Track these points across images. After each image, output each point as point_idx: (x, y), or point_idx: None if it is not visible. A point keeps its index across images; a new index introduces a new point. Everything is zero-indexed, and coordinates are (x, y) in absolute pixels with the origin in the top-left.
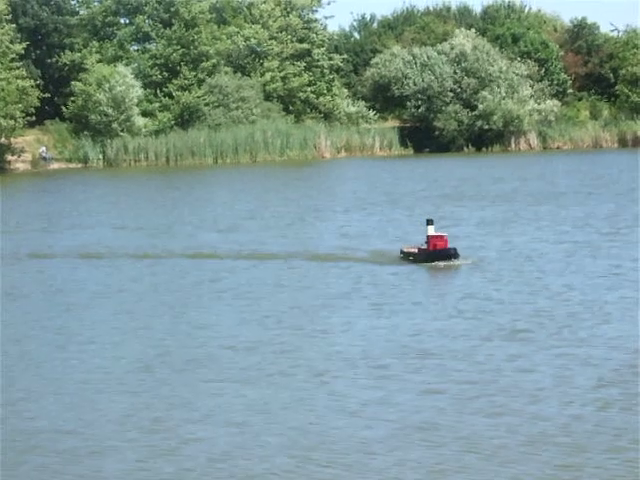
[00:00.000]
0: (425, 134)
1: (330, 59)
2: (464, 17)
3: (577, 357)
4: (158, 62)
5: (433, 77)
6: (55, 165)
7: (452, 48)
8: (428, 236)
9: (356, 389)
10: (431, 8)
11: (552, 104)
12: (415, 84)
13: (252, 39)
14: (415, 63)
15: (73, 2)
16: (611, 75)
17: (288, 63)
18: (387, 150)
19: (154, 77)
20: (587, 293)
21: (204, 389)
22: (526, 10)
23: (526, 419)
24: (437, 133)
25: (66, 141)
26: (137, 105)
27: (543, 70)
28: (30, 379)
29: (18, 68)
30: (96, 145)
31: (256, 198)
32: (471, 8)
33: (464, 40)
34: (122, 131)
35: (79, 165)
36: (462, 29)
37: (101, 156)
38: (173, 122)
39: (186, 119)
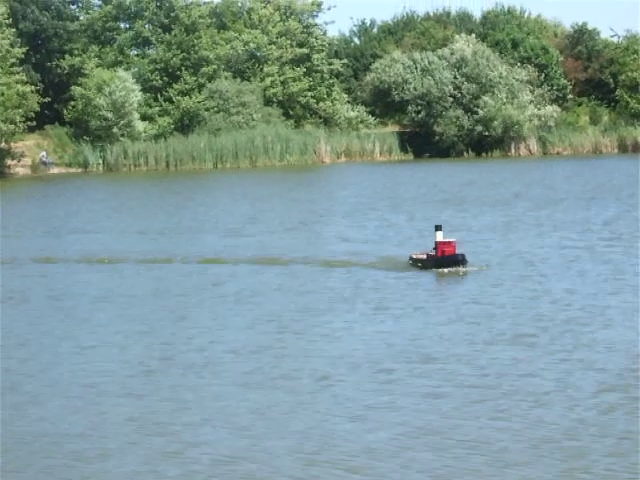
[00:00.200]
0: (425, 139)
1: (330, 64)
2: (464, 22)
3: (580, 361)
4: (158, 67)
5: (433, 82)
6: (55, 170)
7: (452, 53)
8: (436, 242)
9: (360, 393)
10: (431, 13)
11: (552, 109)
12: (415, 89)
13: (251, 44)
14: (416, 68)
15: (73, 7)
16: (611, 80)
17: (288, 68)
18: (387, 155)
19: (154, 82)
20: (589, 298)
21: (208, 393)
22: (526, 15)
23: (530, 423)
24: (437, 138)
25: (66, 146)
26: (137, 109)
27: (543, 75)
28: (34, 383)
29: (18, 73)
30: (96, 150)
31: (257, 203)
32: (471, 13)
33: (464, 45)
34: (122, 136)
35: (79, 170)
36: (462, 34)
37: (101, 161)
38: (173, 127)
39: (186, 124)
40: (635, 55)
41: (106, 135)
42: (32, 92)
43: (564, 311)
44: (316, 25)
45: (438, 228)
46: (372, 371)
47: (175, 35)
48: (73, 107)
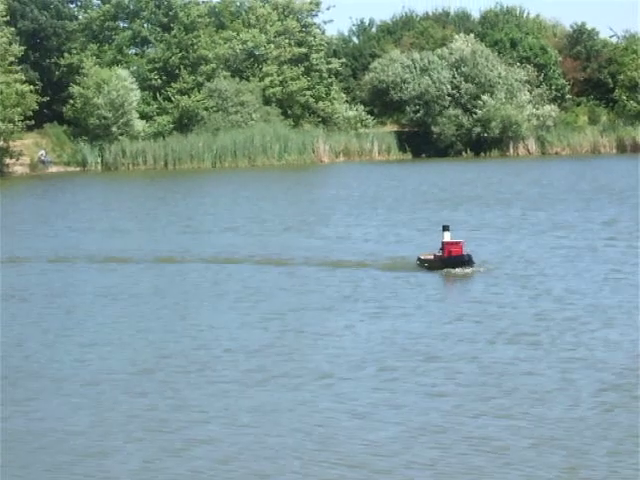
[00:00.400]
0: (423, 139)
1: (329, 63)
2: (463, 22)
3: (581, 360)
4: (157, 66)
5: (431, 82)
6: (53, 169)
7: (451, 53)
8: (443, 242)
9: (362, 391)
10: (430, 13)
11: (550, 109)
12: (413, 89)
13: (249, 43)
14: (414, 67)
15: (72, 6)
16: (610, 80)
17: (286, 67)
18: (385, 155)
19: (153, 81)
20: (589, 297)
21: (209, 391)
22: (525, 15)
23: (532, 421)
24: (435, 138)
25: (64, 145)
26: (136, 108)
27: (542, 75)
28: (35, 380)
29: (17, 72)
30: (94, 149)
31: (256, 202)
32: (470, 13)
33: (463, 45)
34: (121, 135)
35: (77, 169)
36: (461, 34)
37: (99, 159)
38: (172, 126)
39: (185, 123)
40: (634, 55)
41: (105, 134)
42: (31, 91)
43: (565, 310)
44: (315, 24)
45: (446, 228)
46: (375, 369)
47: (175, 36)
48: (72, 106)
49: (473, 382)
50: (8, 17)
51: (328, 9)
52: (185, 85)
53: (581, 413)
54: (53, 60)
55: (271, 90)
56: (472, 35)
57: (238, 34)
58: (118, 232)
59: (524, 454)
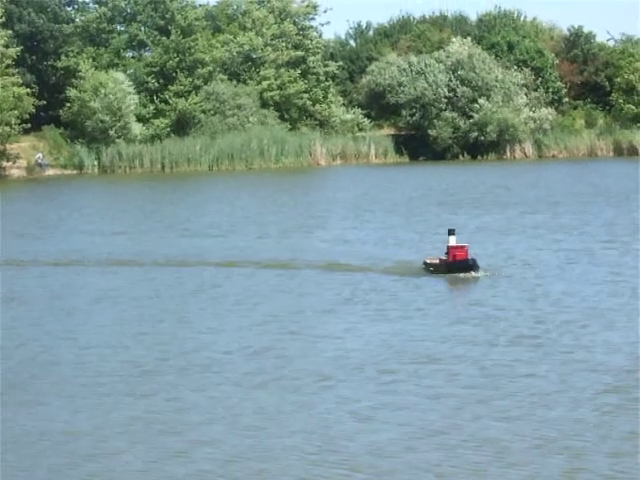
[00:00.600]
0: (420, 142)
1: (326, 66)
2: (460, 25)
3: (581, 362)
4: (154, 69)
5: (427, 85)
6: (50, 171)
7: (448, 56)
8: (448, 246)
9: (364, 393)
10: (427, 16)
11: (547, 112)
12: (410, 92)
13: (246, 46)
14: (411, 71)
15: (69, 9)
16: (607, 83)
17: (283, 70)
18: (382, 158)
19: (150, 84)
20: (589, 299)
21: (211, 393)
22: (522, 18)
23: (533, 423)
24: (432, 141)
25: (61, 147)
26: (133, 111)
27: (539, 78)
28: (37, 383)
29: (14, 75)
30: (91, 152)
31: (254, 205)
32: (467, 16)
33: (460, 48)
34: (118, 137)
35: (74, 172)
36: (458, 37)
37: (96, 162)
38: (169, 129)
39: (182, 126)
40: (631, 58)
41: (102, 137)
42: (27, 94)
43: (564, 313)
44: (312, 27)
45: (451, 232)
46: (376, 371)
47: (172, 40)
48: (69, 109)
49: (474, 384)
50: (5, 20)
51: (325, 12)
52: (182, 88)
53: (581, 415)
54: (50, 63)
55: (268, 93)
56: (469, 38)
57: (235, 37)
58: (116, 235)
59: (525, 455)
